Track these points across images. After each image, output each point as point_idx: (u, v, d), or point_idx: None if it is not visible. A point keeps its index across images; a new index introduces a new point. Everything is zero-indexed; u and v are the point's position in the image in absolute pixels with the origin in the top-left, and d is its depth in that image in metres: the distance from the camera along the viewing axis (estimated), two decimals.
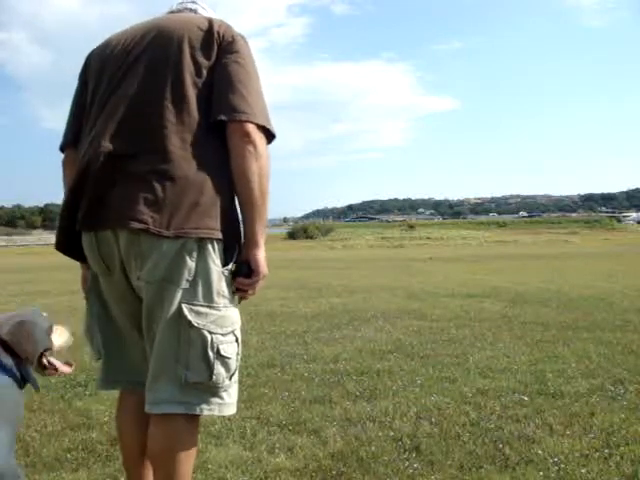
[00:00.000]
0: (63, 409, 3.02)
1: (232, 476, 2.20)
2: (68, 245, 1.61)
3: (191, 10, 1.72)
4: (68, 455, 2.41)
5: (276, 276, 12.28)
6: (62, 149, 1.71)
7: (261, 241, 1.53)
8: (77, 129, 1.64)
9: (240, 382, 3.55)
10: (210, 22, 1.56)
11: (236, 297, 1.57)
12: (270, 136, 1.56)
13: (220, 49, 1.53)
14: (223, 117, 1.48)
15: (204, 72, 1.51)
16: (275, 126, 1.56)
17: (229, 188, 1.51)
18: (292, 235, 53.60)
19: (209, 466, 2.27)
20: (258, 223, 1.52)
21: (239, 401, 3.06)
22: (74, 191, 1.51)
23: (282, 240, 50.67)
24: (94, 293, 1.65)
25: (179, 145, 1.46)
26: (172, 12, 1.73)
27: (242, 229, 1.56)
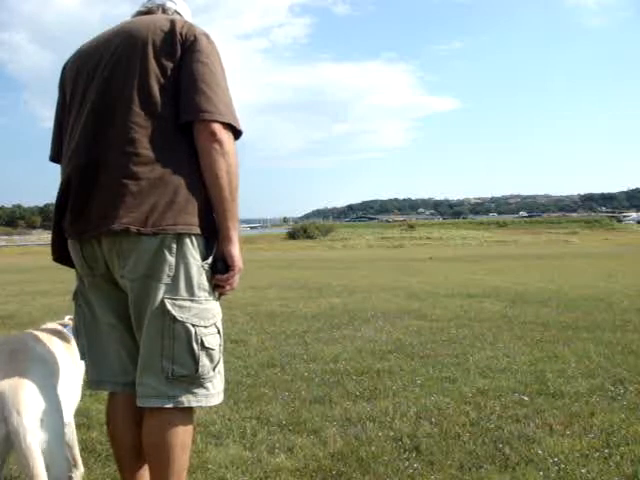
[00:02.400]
0: None
1: (232, 476, 2.20)
2: (64, 255, 1.67)
3: (159, 6, 1.73)
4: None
5: (276, 276, 12.29)
6: (52, 160, 1.77)
7: (234, 236, 1.57)
8: (62, 142, 1.69)
9: (240, 382, 3.56)
10: (172, 23, 1.58)
11: (216, 292, 1.61)
12: (238, 132, 1.59)
13: (183, 49, 1.55)
14: (189, 118, 1.52)
15: (169, 73, 1.54)
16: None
17: (202, 186, 1.54)
18: (292, 235, 53.60)
19: (209, 466, 2.27)
20: (230, 219, 1.56)
21: (239, 401, 3.07)
22: (60, 205, 1.58)
23: (282, 240, 50.68)
24: (81, 295, 1.68)
25: (150, 147, 1.50)
26: (141, 12, 1.74)
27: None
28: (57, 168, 1.78)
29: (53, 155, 1.75)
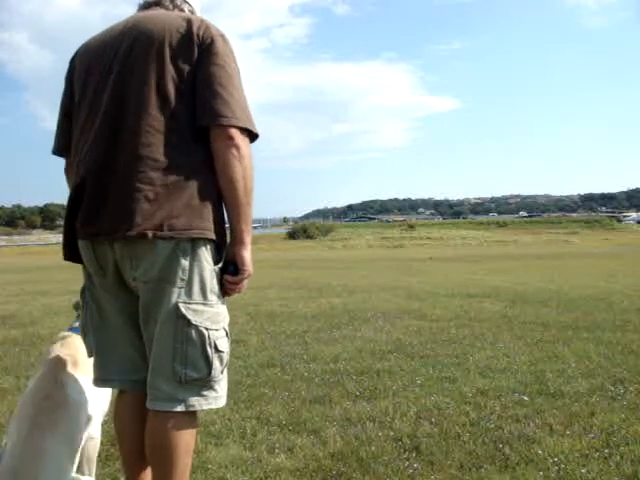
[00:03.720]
0: None
1: (232, 476, 2.20)
2: (76, 255, 1.64)
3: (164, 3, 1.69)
4: None
5: (276, 276, 12.28)
6: (55, 153, 1.74)
7: (247, 240, 1.58)
8: (68, 134, 1.67)
9: (240, 382, 3.56)
10: (189, 23, 1.56)
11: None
12: (253, 135, 1.59)
13: (200, 51, 1.54)
14: (206, 122, 1.51)
15: (186, 76, 1.53)
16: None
17: (217, 190, 1.54)
18: (292, 235, 53.59)
19: (209, 466, 2.28)
20: (243, 222, 1.56)
21: (239, 401, 3.07)
22: (73, 206, 1.56)
23: (282, 240, 50.67)
24: (89, 292, 1.68)
25: (166, 151, 1.49)
26: (148, 3, 1.70)
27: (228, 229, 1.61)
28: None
29: (57, 147, 1.73)
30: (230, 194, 1.53)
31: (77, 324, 2.01)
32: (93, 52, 1.64)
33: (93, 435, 1.85)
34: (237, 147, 1.51)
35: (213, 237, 1.53)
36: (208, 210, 1.52)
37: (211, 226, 1.52)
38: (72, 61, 1.71)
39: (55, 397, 1.70)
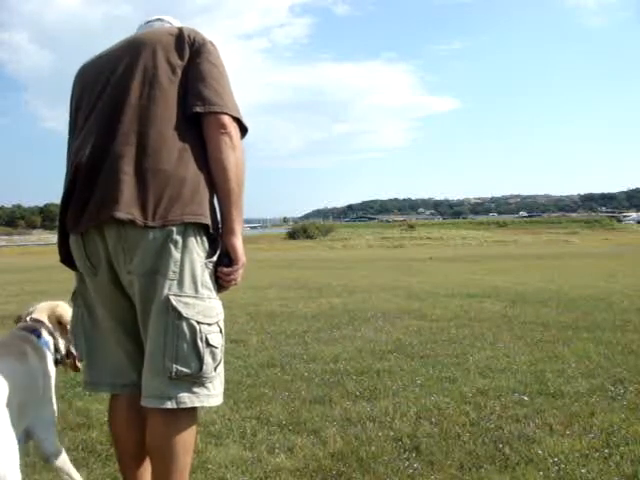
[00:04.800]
0: (63, 409, 3.01)
1: (232, 476, 2.20)
2: (71, 257, 1.64)
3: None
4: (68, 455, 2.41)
5: (276, 276, 12.28)
6: None
7: (238, 229, 1.58)
8: None
9: (240, 382, 3.56)
10: (180, 29, 1.63)
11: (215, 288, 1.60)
12: (242, 131, 1.61)
13: (192, 50, 1.59)
14: (199, 109, 1.53)
15: (179, 71, 1.57)
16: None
17: (208, 179, 1.55)
18: (292, 235, 53.56)
19: (209, 466, 2.27)
20: (235, 211, 1.57)
21: (239, 401, 3.07)
22: (65, 200, 1.56)
23: (282, 240, 50.67)
24: (80, 296, 1.67)
25: (157, 140, 1.50)
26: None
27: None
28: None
29: None
30: (222, 182, 1.54)
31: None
32: (92, 69, 1.68)
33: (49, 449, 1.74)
34: (230, 136, 1.53)
35: (207, 222, 1.52)
36: (200, 198, 1.51)
37: (205, 212, 1.51)
38: (74, 85, 1.73)
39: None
